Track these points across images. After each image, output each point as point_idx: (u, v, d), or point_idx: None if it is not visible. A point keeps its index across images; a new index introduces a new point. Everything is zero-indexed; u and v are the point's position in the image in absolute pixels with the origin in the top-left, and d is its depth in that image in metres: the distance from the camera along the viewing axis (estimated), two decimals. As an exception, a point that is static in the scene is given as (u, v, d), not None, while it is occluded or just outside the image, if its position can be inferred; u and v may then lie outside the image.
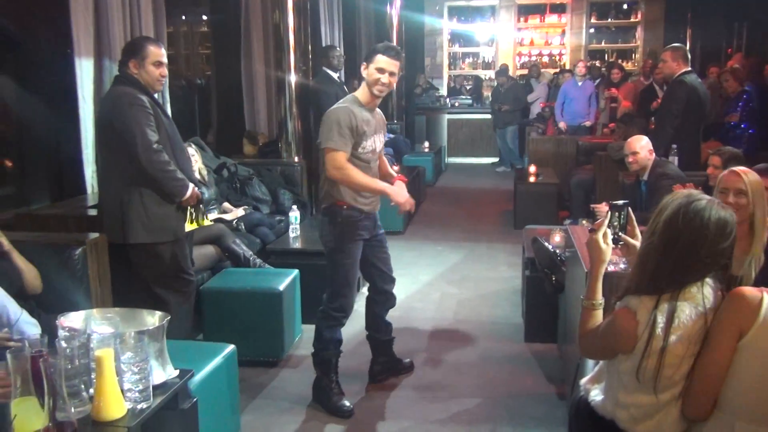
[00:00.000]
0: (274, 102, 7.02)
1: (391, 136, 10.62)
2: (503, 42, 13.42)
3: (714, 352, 1.91)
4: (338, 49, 6.99)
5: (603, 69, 11.39)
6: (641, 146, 4.70)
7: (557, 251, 4.20)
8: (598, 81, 10.46)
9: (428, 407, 3.73)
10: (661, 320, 1.95)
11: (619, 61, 12.74)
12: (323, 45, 8.11)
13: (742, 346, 1.87)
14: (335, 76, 6.62)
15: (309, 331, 4.66)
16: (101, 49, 4.61)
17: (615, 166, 6.29)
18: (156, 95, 3.76)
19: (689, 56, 5.65)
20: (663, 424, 2.02)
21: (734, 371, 1.89)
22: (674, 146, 5.57)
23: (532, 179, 7.70)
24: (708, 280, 1.98)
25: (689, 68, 5.48)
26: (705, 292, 1.97)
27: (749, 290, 1.91)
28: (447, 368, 4.23)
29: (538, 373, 4.12)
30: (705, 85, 8.19)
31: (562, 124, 9.33)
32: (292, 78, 6.65)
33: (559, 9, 13.46)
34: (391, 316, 5.02)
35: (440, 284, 5.81)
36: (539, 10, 13.58)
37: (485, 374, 4.13)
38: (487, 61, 14.03)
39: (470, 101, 13.42)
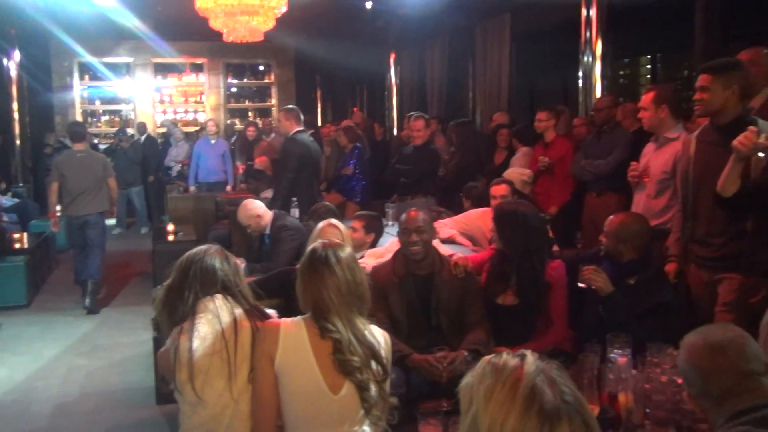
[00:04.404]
0: None
1: (16, 200, 9.70)
2: (142, 100, 13.18)
3: (257, 382, 2.21)
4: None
5: (237, 127, 11.86)
6: (248, 216, 5.01)
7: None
8: (234, 138, 10.84)
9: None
10: (183, 339, 2.24)
11: (258, 118, 13.39)
12: None
13: (277, 370, 2.16)
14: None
15: None
16: None
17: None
18: None
19: (302, 117, 6.19)
20: None
21: (281, 393, 2.17)
22: (294, 199, 6.02)
23: (170, 237, 7.61)
24: (229, 298, 2.37)
25: (302, 127, 6.00)
26: (219, 305, 2.33)
27: (270, 321, 2.29)
28: (69, 448, 3.94)
29: (169, 435, 4.07)
30: (327, 141, 9.06)
31: (192, 189, 9.42)
32: None
33: (196, 68, 13.66)
34: (3, 401, 4.57)
35: (68, 357, 5.41)
36: (177, 69, 13.63)
37: (112, 447, 3.94)
38: (126, 118, 13.60)
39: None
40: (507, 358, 1.23)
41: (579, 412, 1.16)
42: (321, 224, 3.83)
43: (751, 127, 2.82)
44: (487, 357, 1.27)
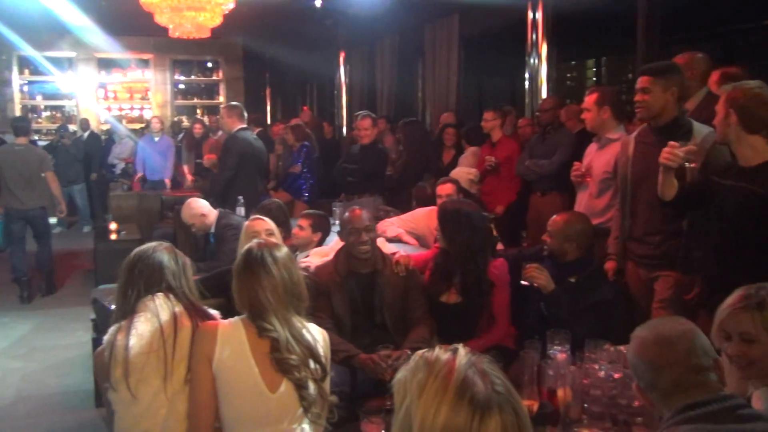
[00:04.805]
0: None
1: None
2: (85, 95, 12.83)
3: (194, 384, 2.17)
4: None
5: (184, 124, 11.67)
6: (192, 215, 4.92)
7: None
8: (181, 135, 10.66)
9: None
10: (120, 337, 2.20)
11: (205, 116, 13.15)
12: None
13: (215, 371, 2.13)
14: None
15: None
16: None
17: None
18: None
19: (245, 114, 6.12)
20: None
21: (219, 393, 2.14)
22: (240, 198, 5.93)
23: (113, 236, 7.43)
24: (171, 297, 2.32)
25: (244, 125, 5.93)
26: (159, 303, 2.29)
27: (208, 322, 2.26)
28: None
29: (108, 438, 3.96)
30: (278, 140, 8.99)
31: (139, 175, 9.28)
32: None
33: (142, 64, 13.38)
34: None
35: (2, 360, 5.25)
36: (121, 64, 13.31)
37: (48, 451, 3.83)
38: (69, 114, 13.23)
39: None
40: (439, 352, 1.24)
41: (509, 402, 1.17)
42: (248, 221, 3.81)
43: (671, 142, 2.90)
44: (420, 351, 1.27)
